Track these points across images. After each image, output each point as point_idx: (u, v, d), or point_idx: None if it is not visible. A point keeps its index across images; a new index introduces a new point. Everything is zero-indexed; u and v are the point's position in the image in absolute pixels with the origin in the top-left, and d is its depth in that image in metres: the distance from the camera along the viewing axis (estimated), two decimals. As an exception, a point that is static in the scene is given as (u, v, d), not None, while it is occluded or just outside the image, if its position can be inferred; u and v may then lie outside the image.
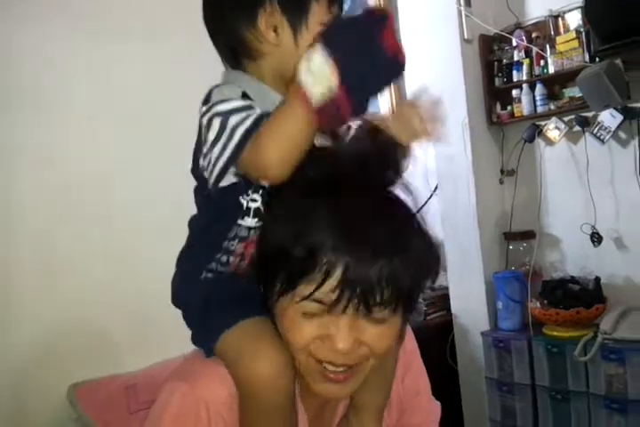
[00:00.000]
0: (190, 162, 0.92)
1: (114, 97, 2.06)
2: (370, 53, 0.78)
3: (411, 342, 1.10)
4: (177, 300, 0.96)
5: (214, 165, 0.82)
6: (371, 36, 0.77)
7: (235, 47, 0.92)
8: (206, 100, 0.86)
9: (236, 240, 0.88)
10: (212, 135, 0.82)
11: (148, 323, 2.05)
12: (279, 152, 0.79)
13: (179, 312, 0.96)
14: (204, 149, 0.84)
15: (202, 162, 0.86)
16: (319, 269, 0.76)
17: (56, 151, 1.95)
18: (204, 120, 0.83)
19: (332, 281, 0.76)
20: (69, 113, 1.98)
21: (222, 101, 0.83)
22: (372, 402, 0.98)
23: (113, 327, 2.03)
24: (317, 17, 0.89)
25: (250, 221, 0.87)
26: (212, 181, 0.84)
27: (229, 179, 0.85)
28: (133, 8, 2.10)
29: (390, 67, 0.81)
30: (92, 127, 2.02)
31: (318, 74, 0.76)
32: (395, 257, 0.77)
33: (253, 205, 0.86)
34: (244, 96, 0.86)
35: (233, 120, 0.81)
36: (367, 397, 0.97)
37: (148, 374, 1.97)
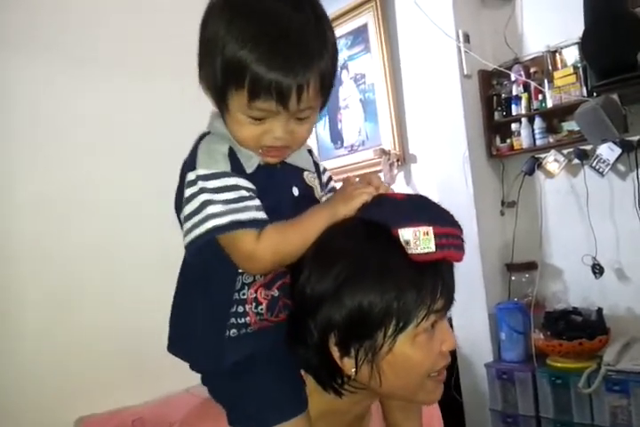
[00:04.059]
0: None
1: (114, 129, 2.09)
2: None
3: None
4: (200, 367, 0.94)
5: (184, 236, 0.84)
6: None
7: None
8: (193, 159, 0.84)
9: (245, 288, 0.87)
10: (187, 210, 0.82)
11: (148, 357, 2.05)
12: (277, 256, 0.83)
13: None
14: (183, 209, 0.84)
15: (181, 216, 0.86)
16: (429, 288, 0.80)
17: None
18: (187, 191, 0.83)
19: (440, 292, 0.81)
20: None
21: (210, 177, 0.82)
22: (416, 425, 1.01)
23: (115, 361, 2.03)
24: (237, 106, 0.82)
25: None
26: (185, 244, 0.85)
27: None
28: (133, 45, 2.14)
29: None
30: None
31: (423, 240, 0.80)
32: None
33: None
34: (231, 153, 0.85)
35: (211, 209, 0.80)
36: (411, 421, 1.00)
37: (154, 408, 1.98)
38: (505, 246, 3.03)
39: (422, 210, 0.83)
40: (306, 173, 0.94)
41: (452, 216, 0.85)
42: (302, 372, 0.90)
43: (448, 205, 2.88)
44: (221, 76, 0.81)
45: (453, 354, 3.07)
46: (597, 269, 2.69)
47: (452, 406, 3.05)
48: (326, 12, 0.85)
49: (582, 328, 2.57)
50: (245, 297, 0.87)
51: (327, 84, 0.84)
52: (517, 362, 2.81)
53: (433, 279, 0.80)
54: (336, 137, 4.15)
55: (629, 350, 2.48)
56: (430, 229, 0.79)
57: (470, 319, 3.01)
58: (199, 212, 0.81)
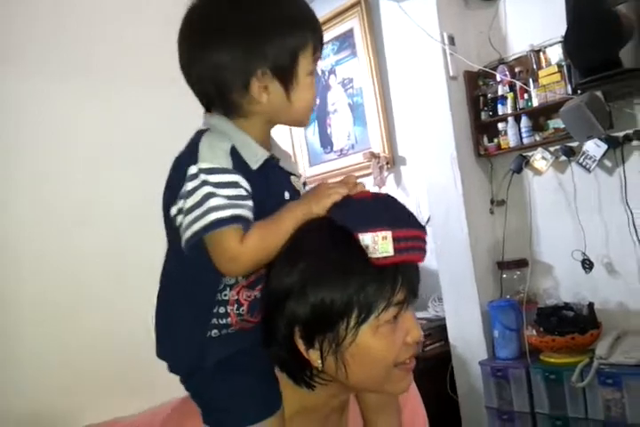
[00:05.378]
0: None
1: (114, 142, 2.10)
2: None
3: None
4: (182, 366, 0.95)
5: (184, 230, 0.84)
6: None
7: (224, 108, 0.92)
8: (193, 154, 0.85)
9: (227, 289, 0.88)
10: (189, 203, 0.82)
11: (145, 365, 2.05)
12: (259, 255, 0.84)
13: None
14: (180, 203, 0.84)
15: (173, 211, 0.86)
16: (389, 281, 0.83)
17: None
18: (189, 184, 0.83)
19: (400, 285, 0.84)
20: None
21: (213, 171, 0.83)
22: (392, 425, 1.02)
23: (110, 371, 2.02)
24: (305, 68, 0.90)
25: None
26: (182, 240, 0.84)
27: None
28: (131, 58, 2.15)
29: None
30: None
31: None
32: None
33: None
34: (233, 151, 0.86)
35: (214, 201, 0.81)
36: (387, 420, 1.02)
37: (147, 416, 1.97)
38: (495, 245, 3.06)
39: (385, 213, 0.86)
40: (292, 178, 0.97)
41: (414, 218, 0.88)
42: (276, 370, 0.92)
43: (438, 206, 2.91)
44: (290, 50, 0.89)
45: (448, 353, 3.11)
46: (587, 264, 2.71)
47: (448, 404, 3.08)
48: None
49: (574, 323, 2.59)
50: (227, 298, 0.88)
51: None
52: (511, 359, 2.82)
53: (393, 274, 0.83)
54: (325, 142, 4.18)
55: (621, 343, 2.50)
56: (389, 234, 0.81)
57: (463, 318, 3.03)
58: (202, 204, 0.82)
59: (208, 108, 0.95)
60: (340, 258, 0.83)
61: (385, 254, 0.81)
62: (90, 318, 2.00)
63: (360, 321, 0.82)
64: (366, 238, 0.81)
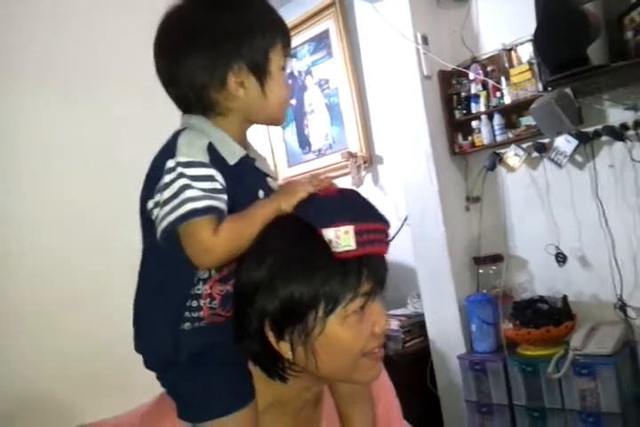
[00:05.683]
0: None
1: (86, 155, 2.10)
2: None
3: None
4: (155, 361, 0.97)
5: (161, 220, 0.86)
6: None
7: (202, 106, 0.95)
8: (171, 149, 0.87)
9: (201, 283, 0.90)
10: (166, 195, 0.85)
11: (129, 366, 2.05)
12: (232, 247, 0.86)
13: None
14: (157, 196, 0.87)
15: (150, 204, 0.89)
16: (353, 274, 0.85)
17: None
18: (167, 177, 0.85)
19: (365, 277, 0.86)
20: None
21: (189, 164, 0.85)
22: (366, 416, 1.05)
23: (94, 373, 2.03)
24: (277, 64, 0.95)
25: None
26: (158, 231, 0.86)
27: None
28: (104, 72, 2.16)
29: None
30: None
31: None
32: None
33: None
34: (210, 148, 0.89)
35: (189, 193, 0.83)
36: (360, 413, 1.04)
37: (132, 416, 1.98)
38: (471, 241, 3.10)
39: (347, 208, 0.89)
40: (269, 179, 1.00)
41: (377, 212, 0.91)
42: (250, 365, 0.94)
43: (415, 204, 2.93)
44: (262, 48, 0.93)
45: (427, 349, 3.14)
46: (561, 258, 2.77)
47: (428, 399, 3.11)
48: None
49: (549, 316, 2.64)
50: (200, 292, 0.90)
51: None
52: (489, 353, 2.87)
53: (357, 266, 0.85)
54: (304, 142, 4.21)
55: (595, 334, 2.56)
56: (351, 228, 0.84)
57: (441, 313, 3.07)
58: (178, 195, 0.84)
59: (185, 110, 0.98)
60: (304, 254, 0.85)
61: (347, 248, 0.84)
62: (89, 316, 2.00)
63: (327, 312, 0.84)
64: (329, 233, 0.84)
